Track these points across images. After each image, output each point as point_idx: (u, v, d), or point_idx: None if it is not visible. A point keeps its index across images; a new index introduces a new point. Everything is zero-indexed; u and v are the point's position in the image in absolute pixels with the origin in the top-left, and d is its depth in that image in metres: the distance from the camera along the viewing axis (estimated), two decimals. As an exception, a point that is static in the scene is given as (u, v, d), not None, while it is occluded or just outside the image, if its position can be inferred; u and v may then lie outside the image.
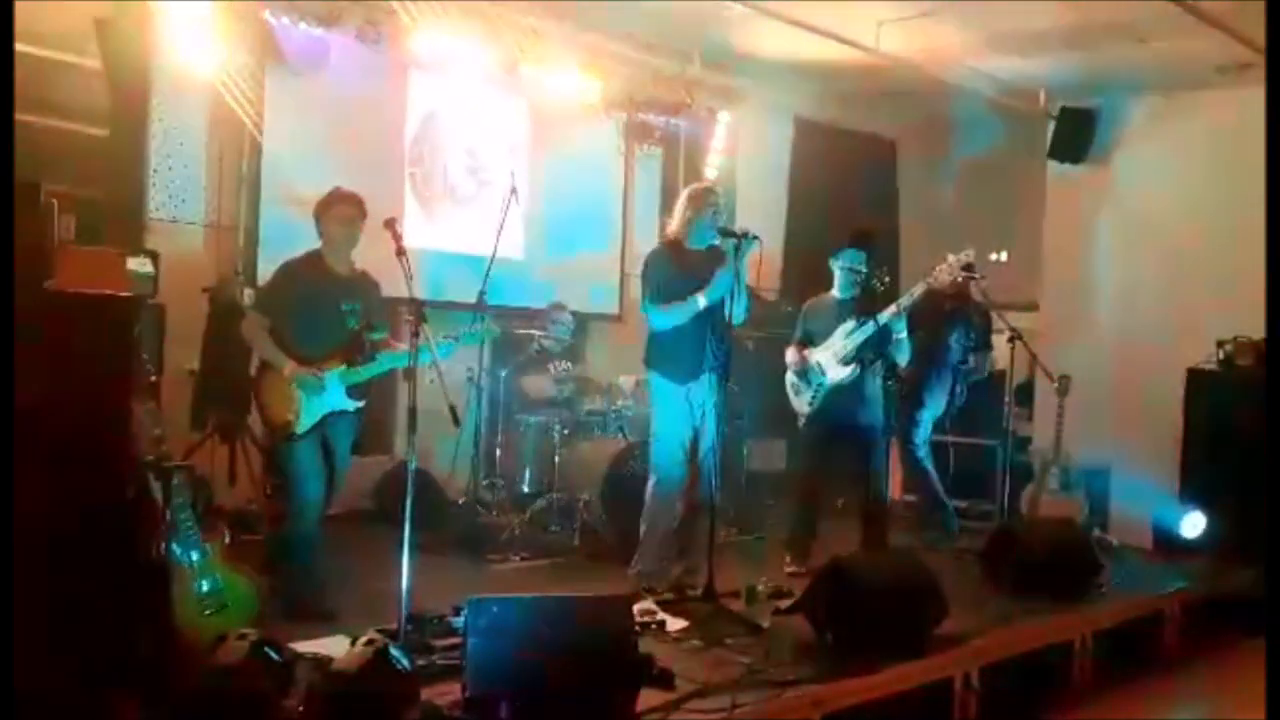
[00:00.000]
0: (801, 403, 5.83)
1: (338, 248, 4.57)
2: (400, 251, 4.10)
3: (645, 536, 5.16)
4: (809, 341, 5.86)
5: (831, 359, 5.73)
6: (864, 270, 5.77)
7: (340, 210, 4.54)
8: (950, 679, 4.26)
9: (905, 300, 5.65)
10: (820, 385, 5.74)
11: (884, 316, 5.60)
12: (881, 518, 5.84)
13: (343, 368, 4.48)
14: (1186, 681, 5.33)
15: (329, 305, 4.50)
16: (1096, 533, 6.65)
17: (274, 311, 4.53)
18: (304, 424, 4.43)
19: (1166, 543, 6.74)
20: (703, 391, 5.05)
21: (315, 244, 4.62)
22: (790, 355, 5.86)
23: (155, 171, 6.09)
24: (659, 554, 5.13)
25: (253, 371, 4.72)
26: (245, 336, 4.58)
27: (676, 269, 5.06)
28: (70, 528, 3.08)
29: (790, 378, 5.89)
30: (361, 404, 4.59)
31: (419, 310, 4.02)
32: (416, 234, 6.66)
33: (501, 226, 5.90)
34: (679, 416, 5.07)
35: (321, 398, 4.44)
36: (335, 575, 4.73)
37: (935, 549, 6.08)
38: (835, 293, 5.91)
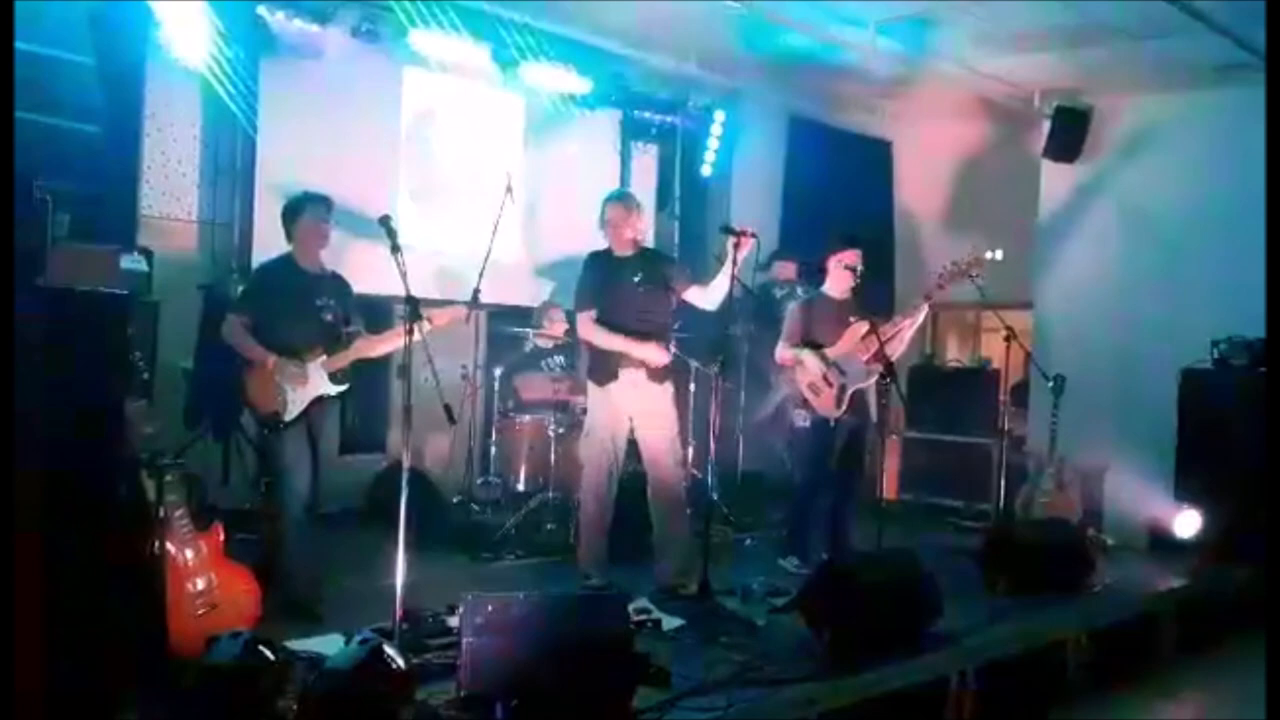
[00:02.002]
0: (825, 405, 5.68)
1: (308, 248, 4.74)
2: (395, 249, 4.10)
3: (580, 528, 5.38)
4: (811, 343, 5.80)
5: (850, 361, 5.70)
6: (860, 269, 5.76)
7: (310, 211, 4.72)
8: (946, 678, 4.26)
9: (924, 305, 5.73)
10: (843, 388, 5.68)
11: (920, 313, 5.69)
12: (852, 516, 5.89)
13: (323, 357, 4.63)
14: (1181, 680, 5.33)
15: (304, 302, 4.68)
16: (1091, 532, 6.66)
17: (253, 310, 4.68)
18: (292, 411, 4.57)
19: (1161, 542, 6.75)
20: (629, 390, 5.15)
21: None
22: (809, 359, 5.68)
23: (148, 168, 6.07)
24: (589, 543, 5.25)
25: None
26: (226, 338, 4.69)
27: (600, 275, 5.27)
28: (64, 526, 3.06)
29: (807, 381, 5.70)
30: (345, 388, 4.72)
31: (414, 308, 4.04)
32: (411, 232, 6.63)
33: (497, 224, 5.89)
34: (601, 418, 5.23)
35: (305, 386, 4.59)
36: (330, 574, 4.74)
37: None
38: (831, 292, 5.89)
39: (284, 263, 4.78)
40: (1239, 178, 6.99)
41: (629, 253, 5.28)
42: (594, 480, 5.25)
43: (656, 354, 5.17)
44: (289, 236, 4.75)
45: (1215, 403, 6.80)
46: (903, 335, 5.76)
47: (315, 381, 4.61)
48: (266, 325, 4.63)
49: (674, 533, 5.18)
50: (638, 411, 5.19)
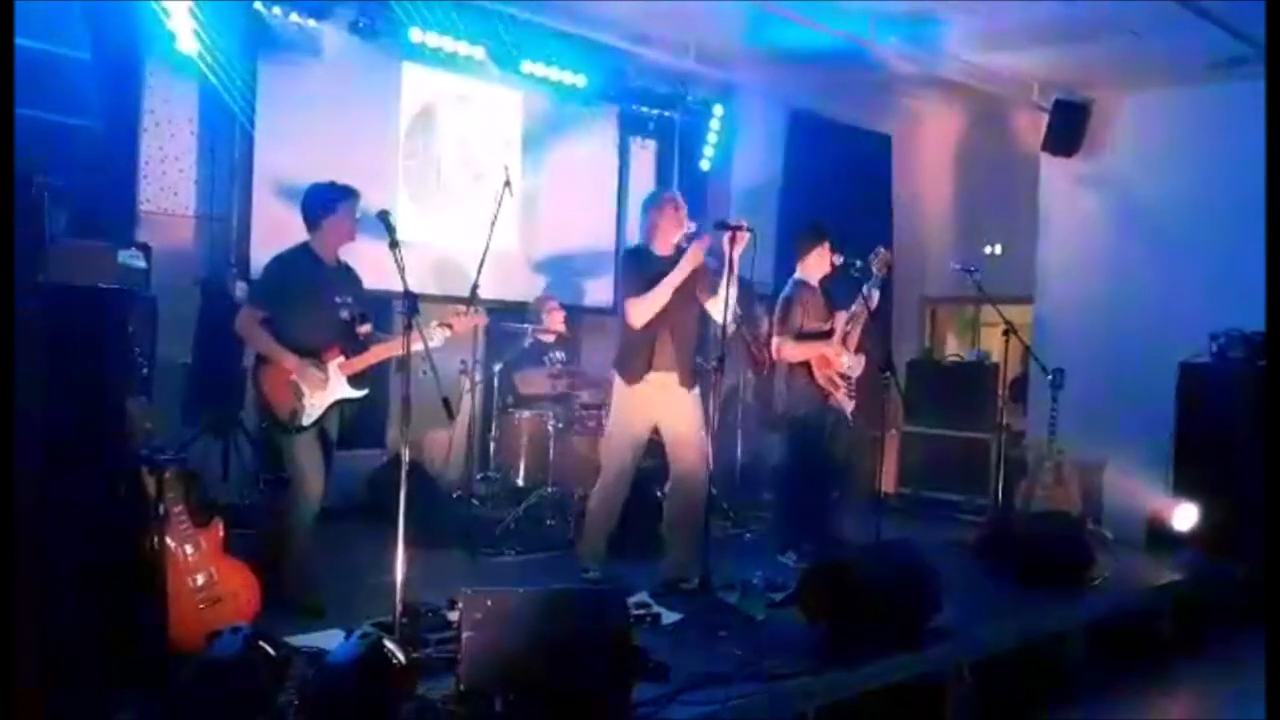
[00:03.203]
0: (842, 397, 5.77)
1: (331, 242, 4.56)
2: (394, 244, 4.08)
3: (585, 521, 5.32)
4: (809, 335, 5.83)
5: (846, 350, 5.76)
6: (843, 257, 5.80)
7: (345, 206, 4.54)
8: (945, 671, 4.27)
9: (875, 284, 5.75)
10: (848, 380, 5.76)
11: (873, 301, 5.71)
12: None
13: (340, 358, 4.51)
14: (1180, 674, 5.34)
15: (323, 298, 4.53)
16: (1090, 526, 6.67)
17: (270, 305, 4.49)
18: (311, 416, 4.44)
19: (1159, 535, 6.76)
20: (656, 391, 5.06)
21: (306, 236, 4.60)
22: (834, 353, 5.73)
23: (147, 163, 6.07)
24: (591, 539, 5.22)
25: (246, 364, 4.70)
26: (240, 332, 4.56)
27: (643, 271, 5.08)
28: (63, 523, 3.06)
29: (828, 374, 5.75)
30: (365, 392, 4.60)
31: (412, 303, 4.01)
32: (410, 227, 6.64)
33: (495, 219, 5.89)
34: (626, 416, 5.14)
35: (326, 390, 4.46)
36: (330, 569, 4.72)
37: None
38: (812, 281, 5.90)
39: (303, 254, 4.54)
40: (1238, 172, 6.98)
41: (670, 254, 5.09)
42: (607, 479, 5.17)
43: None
44: (313, 227, 4.52)
45: (1213, 396, 6.80)
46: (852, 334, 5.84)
47: (335, 385, 4.48)
48: (283, 321, 4.44)
49: (688, 527, 5.07)
50: (665, 411, 5.08)
